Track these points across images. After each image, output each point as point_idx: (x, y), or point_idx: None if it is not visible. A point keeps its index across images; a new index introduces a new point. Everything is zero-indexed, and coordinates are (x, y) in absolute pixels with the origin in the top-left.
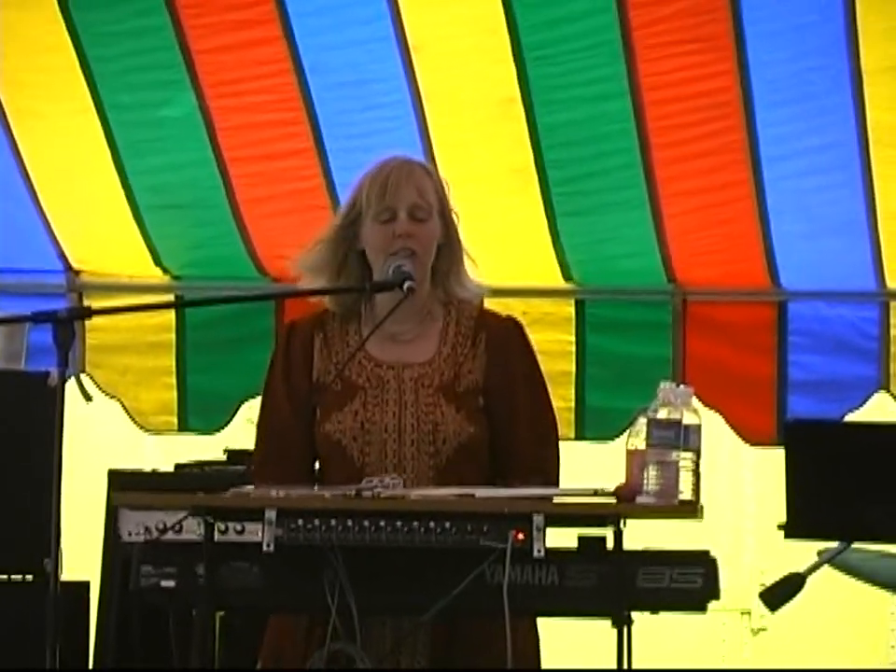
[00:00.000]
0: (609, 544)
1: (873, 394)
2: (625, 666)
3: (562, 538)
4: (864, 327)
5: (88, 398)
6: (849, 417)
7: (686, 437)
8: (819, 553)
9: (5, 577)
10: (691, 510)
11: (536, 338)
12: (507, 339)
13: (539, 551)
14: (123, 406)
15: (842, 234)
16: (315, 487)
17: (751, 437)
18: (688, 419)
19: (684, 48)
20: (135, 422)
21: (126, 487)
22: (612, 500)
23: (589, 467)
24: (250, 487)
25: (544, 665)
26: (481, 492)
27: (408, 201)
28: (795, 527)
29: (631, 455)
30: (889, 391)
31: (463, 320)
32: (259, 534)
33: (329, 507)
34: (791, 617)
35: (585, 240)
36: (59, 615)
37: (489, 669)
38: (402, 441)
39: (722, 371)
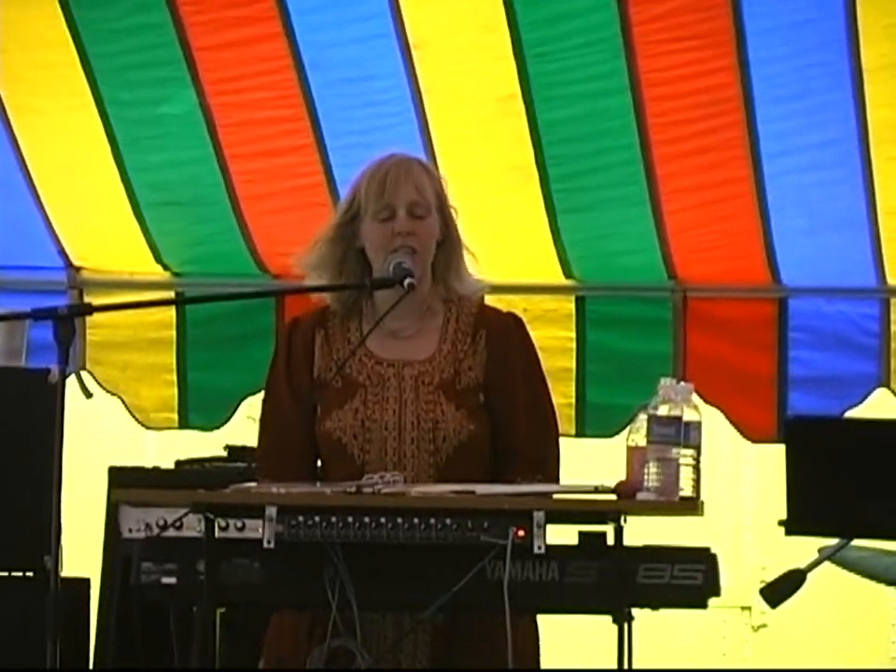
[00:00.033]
0: (610, 541)
1: (873, 390)
2: (626, 662)
3: (562, 534)
4: (865, 323)
5: (88, 394)
6: (850, 414)
7: (686, 433)
8: (820, 550)
9: (5, 573)
10: (691, 506)
11: (536, 334)
12: (507, 335)
13: (539, 547)
14: (124, 403)
15: (842, 231)
16: (317, 484)
17: (752, 433)
18: (688, 416)
19: (684, 44)
20: (136, 418)
21: (127, 484)
22: (613, 497)
23: (589, 463)
24: (251, 484)
25: (544, 663)
26: (481, 488)
27: (406, 198)
28: (796, 524)
29: (631, 451)
30: (889, 387)
31: (463, 317)
32: (260, 530)
33: (329, 503)
34: (792, 613)
35: (585, 236)
36: (59, 612)
37: (490, 669)
38: (402, 439)
39: (723, 367)
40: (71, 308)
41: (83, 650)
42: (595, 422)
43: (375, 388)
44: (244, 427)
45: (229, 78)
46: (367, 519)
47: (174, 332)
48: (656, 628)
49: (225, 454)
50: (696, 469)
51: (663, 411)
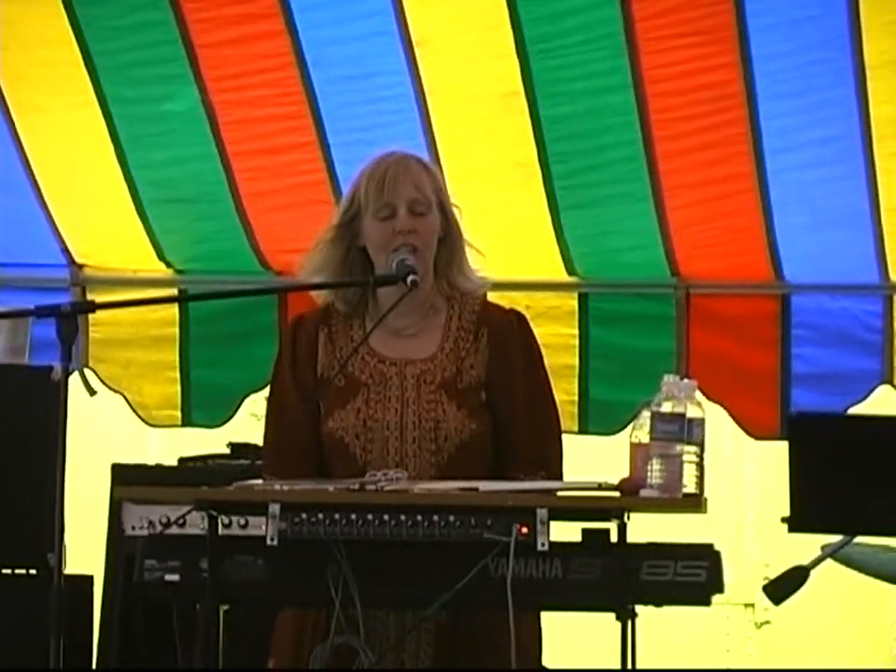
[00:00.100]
0: (613, 538)
1: (876, 387)
2: (629, 659)
3: (566, 531)
4: (868, 320)
5: (92, 391)
6: (853, 410)
7: (690, 430)
8: (823, 547)
9: (8, 571)
10: (694, 503)
11: (539, 331)
12: (509, 333)
13: (542, 544)
14: (127, 400)
15: (845, 227)
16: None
17: (755, 430)
18: (691, 412)
19: (687, 41)
20: (139, 416)
21: (130, 481)
22: (616, 494)
23: (592, 460)
24: (254, 481)
25: (546, 660)
26: (484, 485)
27: (406, 196)
28: (799, 520)
29: (635, 448)
30: (892, 384)
31: (466, 314)
32: (263, 528)
33: (332, 501)
34: (795, 610)
35: (588, 233)
36: (62, 609)
37: (493, 670)
38: (404, 438)
39: (726, 364)
40: (74, 305)
41: (86, 647)
42: (599, 419)
43: (378, 387)
44: (247, 424)
45: (231, 76)
46: (370, 516)
47: (177, 330)
48: (659, 625)
49: (228, 451)
50: (700, 465)
51: (666, 407)
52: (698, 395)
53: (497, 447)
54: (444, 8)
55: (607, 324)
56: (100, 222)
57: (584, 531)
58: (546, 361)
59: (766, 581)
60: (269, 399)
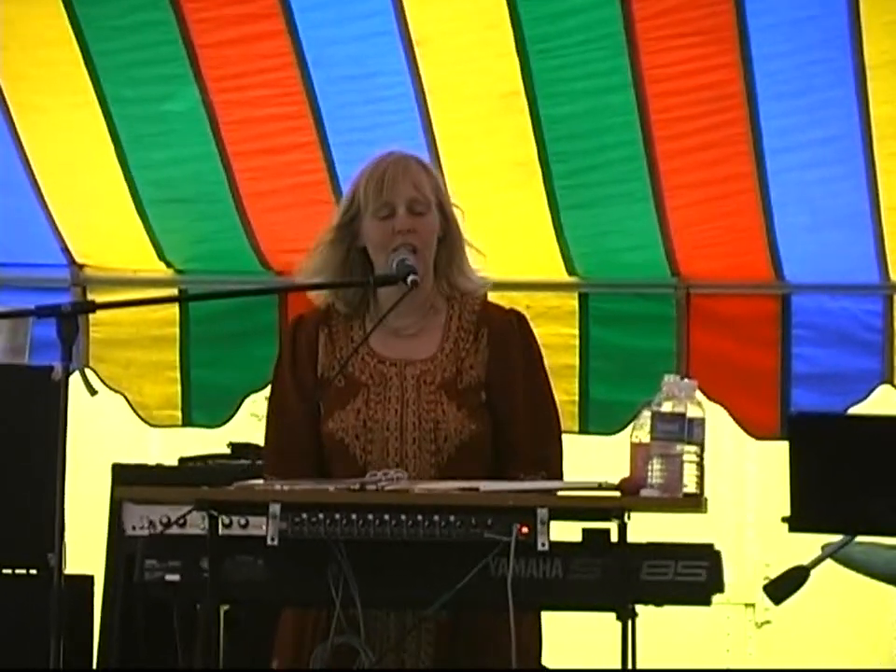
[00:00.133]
0: (614, 537)
1: (876, 387)
2: (630, 659)
3: (566, 531)
4: (868, 319)
5: (93, 391)
6: (853, 410)
7: (690, 430)
8: (823, 547)
9: (9, 571)
10: (695, 503)
11: (539, 331)
12: (509, 333)
13: (543, 544)
14: (127, 400)
15: (845, 227)
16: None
17: (755, 430)
18: (692, 412)
19: (687, 40)
20: (139, 416)
21: (130, 481)
22: (616, 494)
23: (593, 460)
24: (255, 481)
25: (546, 660)
26: (485, 485)
27: (405, 195)
28: (799, 520)
29: (635, 448)
30: (892, 384)
31: (466, 314)
32: (264, 528)
33: (333, 500)
34: (795, 610)
35: (589, 233)
36: (63, 609)
37: (493, 670)
38: (404, 439)
39: (726, 364)
40: (74, 305)
41: (86, 647)
42: (599, 419)
43: (377, 388)
44: (247, 424)
45: (231, 76)
46: (370, 516)
47: (177, 330)
48: (660, 625)
49: (228, 451)
50: (700, 465)
51: (666, 407)
52: (698, 395)
53: (497, 447)
54: (444, 8)
55: (607, 324)
56: (100, 222)
57: (584, 531)
58: (546, 361)
59: (766, 581)
60: (269, 400)
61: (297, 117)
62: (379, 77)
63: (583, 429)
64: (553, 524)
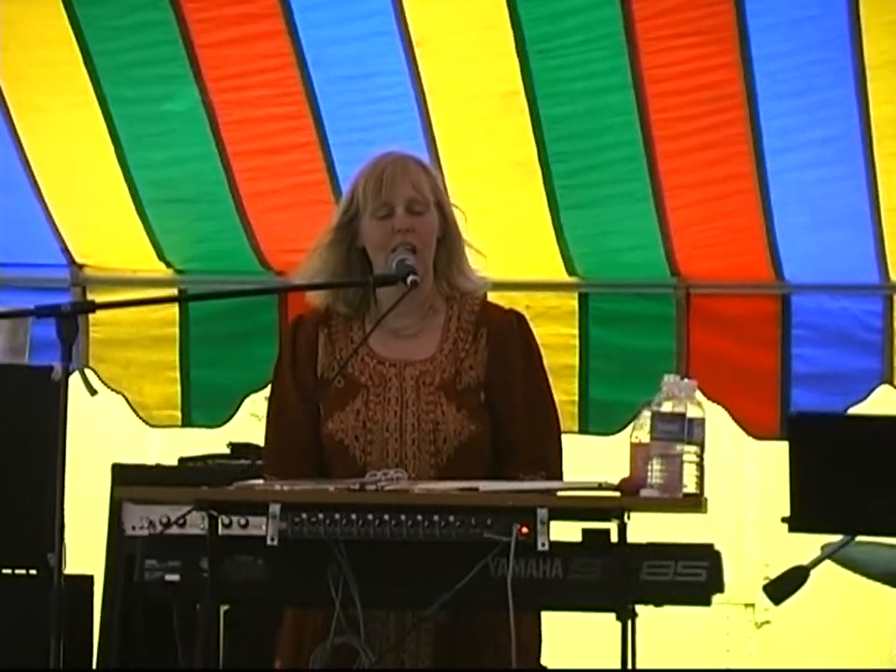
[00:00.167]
0: (614, 538)
1: (876, 387)
2: (629, 659)
3: (566, 531)
4: (868, 320)
5: (93, 391)
6: (853, 410)
7: (690, 430)
8: (823, 547)
9: (8, 571)
10: (695, 503)
11: (539, 331)
12: (508, 333)
13: (542, 544)
14: (127, 400)
15: (845, 227)
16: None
17: (755, 430)
18: (692, 412)
19: (687, 40)
20: (139, 416)
21: (130, 481)
22: (616, 494)
23: (593, 460)
24: (255, 481)
25: (546, 660)
26: (484, 485)
27: (404, 195)
28: (799, 521)
29: (635, 448)
30: (892, 384)
31: (465, 314)
32: (264, 528)
33: (332, 500)
34: (795, 610)
35: (588, 233)
36: (63, 609)
37: (493, 670)
38: (404, 440)
39: (726, 364)
40: (74, 305)
41: (86, 647)
42: (599, 419)
43: (377, 389)
44: (247, 424)
45: (231, 76)
46: (370, 516)
47: (177, 330)
48: (660, 625)
49: (228, 451)
50: (700, 465)
51: (666, 407)
52: (698, 395)
53: (497, 447)
54: (444, 8)
55: (607, 324)
56: (100, 222)
57: (584, 531)
58: (546, 361)
59: (766, 581)
60: (269, 400)
61: (297, 117)
62: (379, 77)
63: (583, 429)
64: (553, 524)
